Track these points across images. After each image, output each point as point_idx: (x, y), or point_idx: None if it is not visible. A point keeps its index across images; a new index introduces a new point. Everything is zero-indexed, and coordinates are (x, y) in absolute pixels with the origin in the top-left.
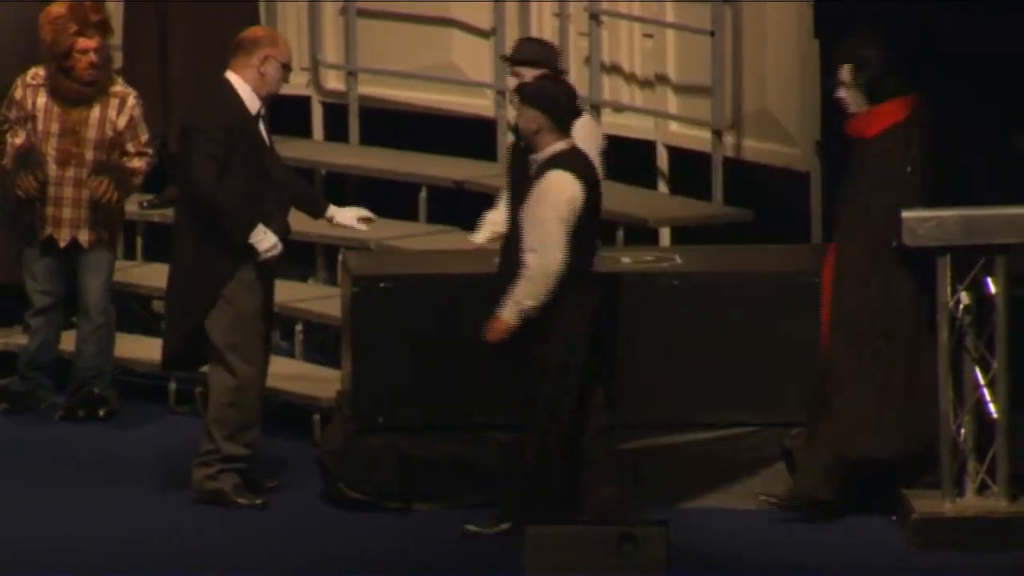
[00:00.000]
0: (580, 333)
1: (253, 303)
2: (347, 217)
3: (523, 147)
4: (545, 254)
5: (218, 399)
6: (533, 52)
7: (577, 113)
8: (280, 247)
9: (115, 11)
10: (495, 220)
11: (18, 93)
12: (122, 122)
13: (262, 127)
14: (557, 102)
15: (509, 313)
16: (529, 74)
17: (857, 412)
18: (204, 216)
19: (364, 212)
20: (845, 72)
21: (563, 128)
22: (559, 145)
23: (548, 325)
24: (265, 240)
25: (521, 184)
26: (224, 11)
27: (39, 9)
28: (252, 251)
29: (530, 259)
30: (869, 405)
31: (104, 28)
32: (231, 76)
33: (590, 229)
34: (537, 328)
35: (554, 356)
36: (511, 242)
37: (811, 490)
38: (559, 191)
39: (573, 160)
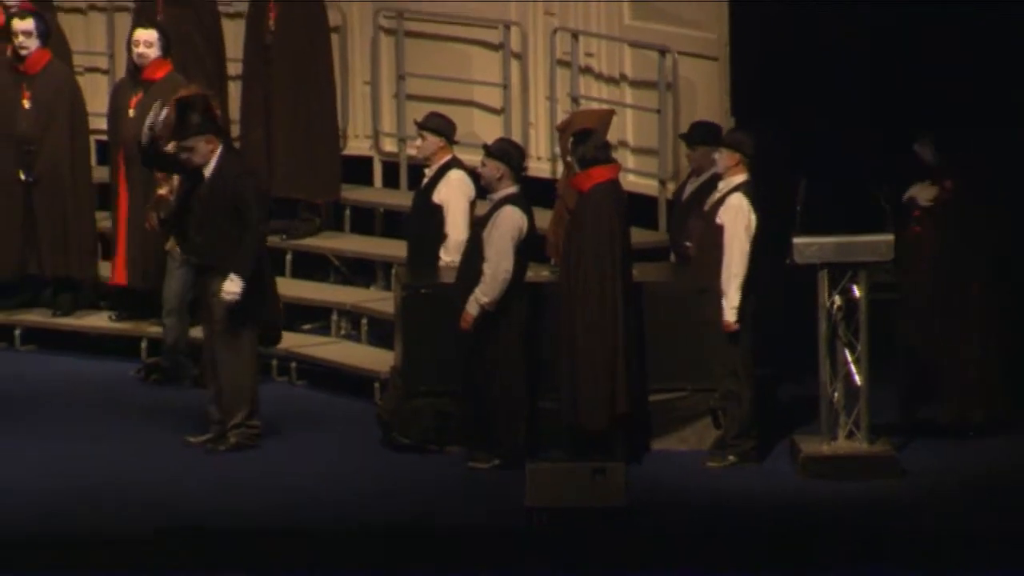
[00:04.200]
0: (518, 325)
1: None
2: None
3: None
4: (498, 264)
5: None
6: (435, 123)
7: (524, 168)
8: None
9: (234, 93)
10: None
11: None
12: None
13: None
14: (513, 157)
15: (472, 308)
16: (430, 138)
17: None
18: None
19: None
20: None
21: (516, 176)
22: (512, 188)
23: (498, 318)
24: None
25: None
26: (311, 95)
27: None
28: None
29: (486, 268)
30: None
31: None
32: None
33: (528, 251)
34: (491, 321)
35: (503, 343)
36: (467, 259)
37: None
38: (511, 220)
39: (520, 200)
